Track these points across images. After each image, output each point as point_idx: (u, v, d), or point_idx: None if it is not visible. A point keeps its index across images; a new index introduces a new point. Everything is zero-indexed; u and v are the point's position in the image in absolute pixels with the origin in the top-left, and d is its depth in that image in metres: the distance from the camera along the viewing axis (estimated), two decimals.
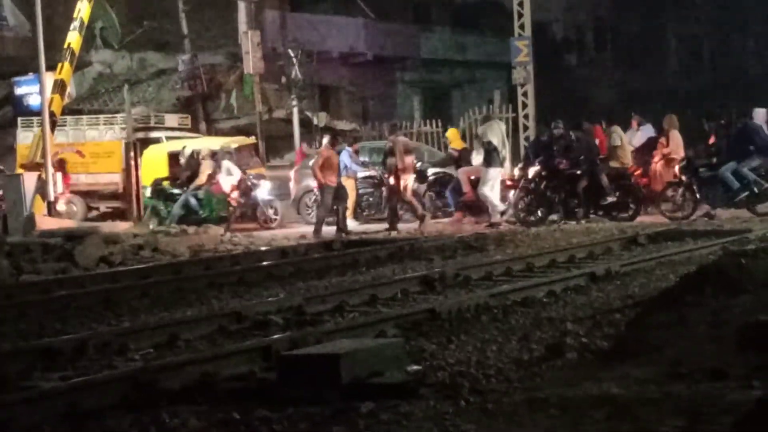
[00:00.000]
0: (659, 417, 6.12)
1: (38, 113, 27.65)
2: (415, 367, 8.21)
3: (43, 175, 25.31)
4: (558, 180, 22.81)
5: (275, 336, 10.17)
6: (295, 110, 33.85)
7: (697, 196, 22.01)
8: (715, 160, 22.24)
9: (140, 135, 29.58)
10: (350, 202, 24.81)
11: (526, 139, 32.56)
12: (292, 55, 35.46)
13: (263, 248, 20.07)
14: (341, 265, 16.65)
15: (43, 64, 25.78)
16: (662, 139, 23.75)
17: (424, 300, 12.52)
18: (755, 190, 21.70)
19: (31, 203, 24.50)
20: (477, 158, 23.91)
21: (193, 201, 26.49)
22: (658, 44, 51.36)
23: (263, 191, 26.09)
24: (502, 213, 23.01)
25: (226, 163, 26.69)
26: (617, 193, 22.44)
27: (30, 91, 35.17)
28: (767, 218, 20.83)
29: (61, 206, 26.27)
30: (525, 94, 32.15)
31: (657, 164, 23.44)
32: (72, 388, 7.95)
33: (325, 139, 25.08)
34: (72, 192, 28.63)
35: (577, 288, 12.80)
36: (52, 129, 26.59)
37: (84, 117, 31.55)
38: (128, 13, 40.46)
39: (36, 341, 10.64)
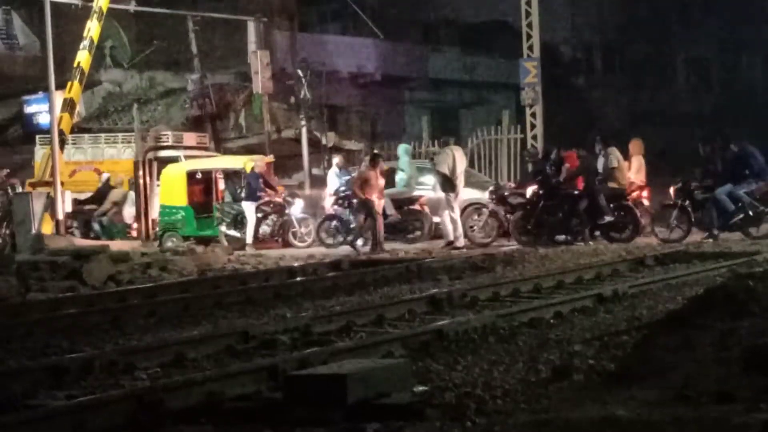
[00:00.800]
0: None
1: (47, 132, 27.74)
2: (422, 388, 8.20)
3: (52, 193, 25.37)
4: (555, 200, 22.89)
5: (282, 356, 10.17)
6: (304, 130, 33.92)
7: (692, 218, 22.03)
8: (710, 182, 22.25)
9: (158, 154, 29.58)
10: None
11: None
12: (300, 74, 35.53)
13: (271, 268, 20.10)
14: (348, 285, 16.65)
15: (52, 83, 25.88)
16: (625, 164, 23.81)
17: (432, 320, 12.49)
18: (750, 213, 21.74)
19: (40, 221, 24.55)
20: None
21: (96, 227, 26.56)
22: (666, 66, 51.39)
23: (297, 209, 26.01)
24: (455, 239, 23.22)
25: (132, 195, 26.74)
26: (615, 214, 22.48)
27: (39, 109, 35.36)
28: (761, 241, 20.83)
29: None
30: (533, 115, 32.21)
31: None
32: (78, 407, 7.93)
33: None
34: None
35: (584, 309, 12.78)
36: (62, 147, 26.67)
37: (102, 135, 31.64)
38: (138, 33, 40.64)
39: (42, 359, 10.64)
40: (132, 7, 35.91)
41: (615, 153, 23.16)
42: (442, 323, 11.65)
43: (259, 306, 14.73)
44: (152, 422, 7.68)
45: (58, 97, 26.97)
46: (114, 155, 30.02)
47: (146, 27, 40.27)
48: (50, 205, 25.22)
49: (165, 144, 30.21)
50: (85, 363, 9.97)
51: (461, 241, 23.04)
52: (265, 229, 25.88)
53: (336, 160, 27.59)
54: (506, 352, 10.07)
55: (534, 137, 31.74)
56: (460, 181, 23.46)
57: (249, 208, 25.43)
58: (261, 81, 33.82)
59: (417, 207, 24.76)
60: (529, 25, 32.30)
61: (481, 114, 43.81)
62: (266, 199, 25.84)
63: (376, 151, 28.73)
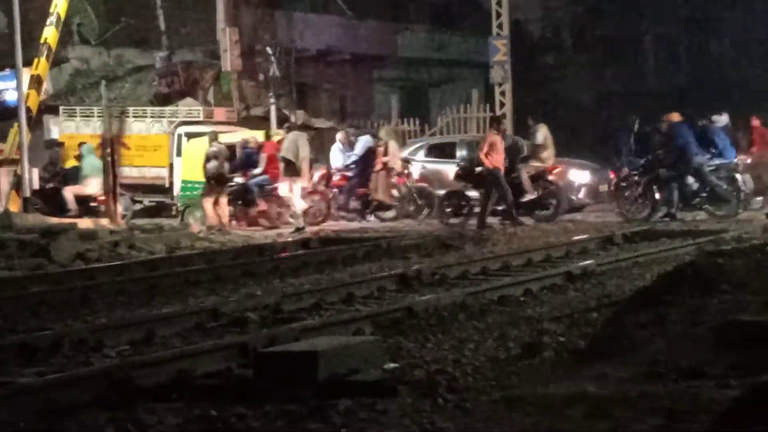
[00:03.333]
0: (636, 416, 6.13)
1: (14, 109, 27.50)
2: (393, 365, 8.21)
3: (19, 171, 25.18)
4: (478, 178, 23.03)
5: (252, 333, 10.16)
6: (273, 108, 33.78)
7: (657, 196, 22.08)
8: (673, 159, 22.32)
9: (189, 129, 28.98)
10: None
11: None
12: (269, 52, 35.40)
13: (240, 245, 20.05)
14: (318, 263, 16.65)
15: (20, 60, 25.63)
16: (379, 150, 24.81)
17: (402, 298, 12.51)
18: (715, 191, 21.88)
19: (7, 199, 24.37)
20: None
21: None
22: (635, 45, 51.43)
23: (284, 188, 25.68)
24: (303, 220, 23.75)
25: None
26: (537, 192, 22.64)
27: (6, 86, 34.96)
28: (731, 219, 20.96)
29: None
30: (503, 94, 32.30)
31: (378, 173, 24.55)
32: (48, 384, 7.91)
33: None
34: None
35: (553, 287, 12.83)
36: (29, 125, 26.45)
37: (130, 109, 31.30)
38: (105, 9, 40.31)
39: (11, 337, 10.59)
40: None
41: (542, 130, 23.27)
42: (412, 301, 11.68)
43: (229, 284, 14.71)
44: (122, 399, 7.66)
45: (26, 74, 26.73)
46: (142, 130, 29.50)
47: (114, 4, 39.95)
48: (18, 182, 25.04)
49: (196, 119, 29.68)
50: (55, 340, 9.95)
51: (300, 222, 23.30)
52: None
53: (339, 135, 27.48)
54: (476, 329, 10.09)
55: (503, 115, 31.78)
56: (305, 166, 23.84)
57: None
58: (230, 58, 33.68)
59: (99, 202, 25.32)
60: (499, 3, 32.34)
61: (450, 92, 43.76)
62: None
63: (498, 114, 28.98)
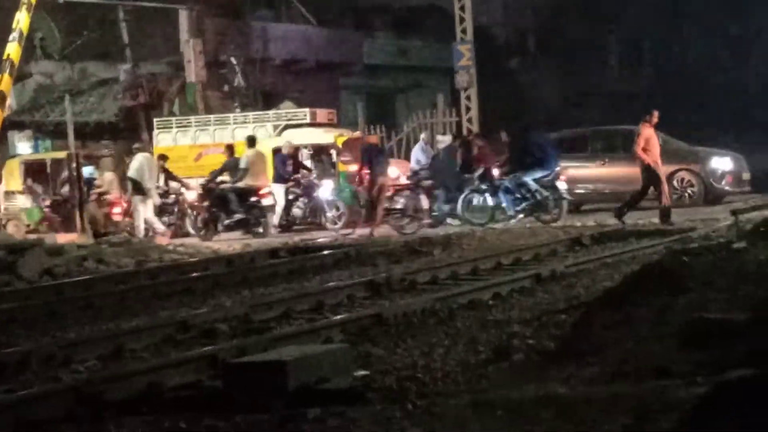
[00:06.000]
0: (605, 416, 6.15)
1: None
2: (362, 372, 8.21)
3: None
4: (211, 196, 24.94)
5: (222, 344, 10.13)
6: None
7: (424, 206, 23.74)
8: (504, 170, 23.68)
9: (295, 132, 28.20)
10: None
11: None
12: (234, 63, 35.36)
13: (209, 257, 20.00)
14: (287, 272, 16.63)
15: None
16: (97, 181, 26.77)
17: (371, 305, 12.51)
18: (537, 198, 23.05)
19: None
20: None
21: None
22: (599, 47, 51.64)
23: (325, 191, 25.48)
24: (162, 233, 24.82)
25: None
26: (244, 211, 24.32)
27: None
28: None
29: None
30: (468, 98, 32.31)
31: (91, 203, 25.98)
32: (17, 401, 7.87)
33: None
34: None
35: (522, 290, 12.84)
36: None
37: (231, 115, 30.77)
38: (68, 24, 40.13)
39: None
40: None
41: (247, 155, 24.86)
42: (382, 307, 11.68)
43: (198, 295, 14.67)
44: (92, 414, 7.62)
45: None
46: (244, 137, 28.82)
47: (76, 17, 39.74)
48: None
49: (302, 122, 28.96)
50: (23, 357, 9.90)
51: (162, 229, 24.69)
52: (296, 212, 25.53)
53: (423, 135, 27.57)
54: (446, 334, 10.10)
55: (469, 120, 31.86)
56: (152, 184, 25.00)
57: (278, 190, 25.22)
58: (194, 70, 33.65)
59: None
60: (462, 8, 32.38)
61: (416, 98, 43.80)
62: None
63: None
